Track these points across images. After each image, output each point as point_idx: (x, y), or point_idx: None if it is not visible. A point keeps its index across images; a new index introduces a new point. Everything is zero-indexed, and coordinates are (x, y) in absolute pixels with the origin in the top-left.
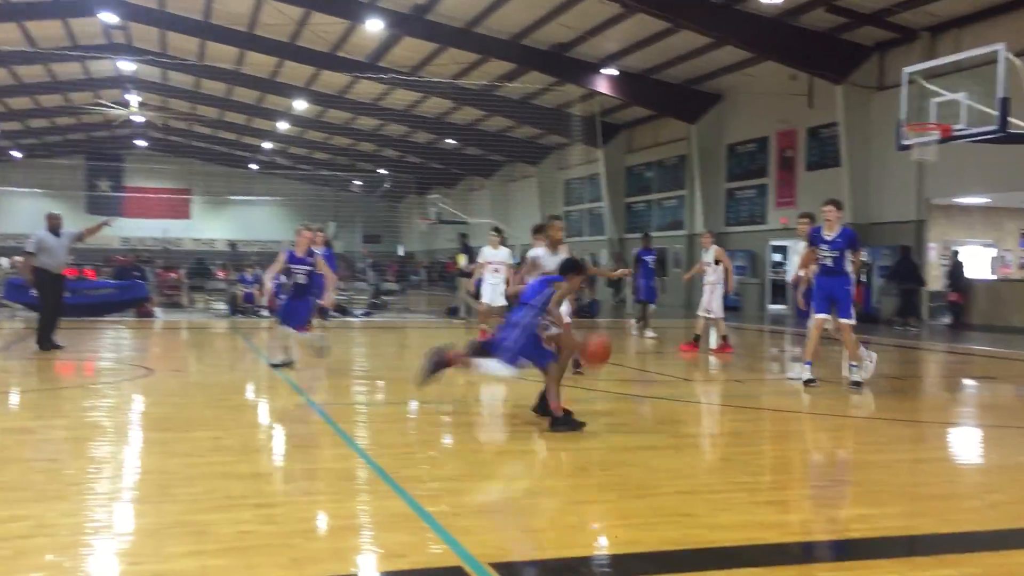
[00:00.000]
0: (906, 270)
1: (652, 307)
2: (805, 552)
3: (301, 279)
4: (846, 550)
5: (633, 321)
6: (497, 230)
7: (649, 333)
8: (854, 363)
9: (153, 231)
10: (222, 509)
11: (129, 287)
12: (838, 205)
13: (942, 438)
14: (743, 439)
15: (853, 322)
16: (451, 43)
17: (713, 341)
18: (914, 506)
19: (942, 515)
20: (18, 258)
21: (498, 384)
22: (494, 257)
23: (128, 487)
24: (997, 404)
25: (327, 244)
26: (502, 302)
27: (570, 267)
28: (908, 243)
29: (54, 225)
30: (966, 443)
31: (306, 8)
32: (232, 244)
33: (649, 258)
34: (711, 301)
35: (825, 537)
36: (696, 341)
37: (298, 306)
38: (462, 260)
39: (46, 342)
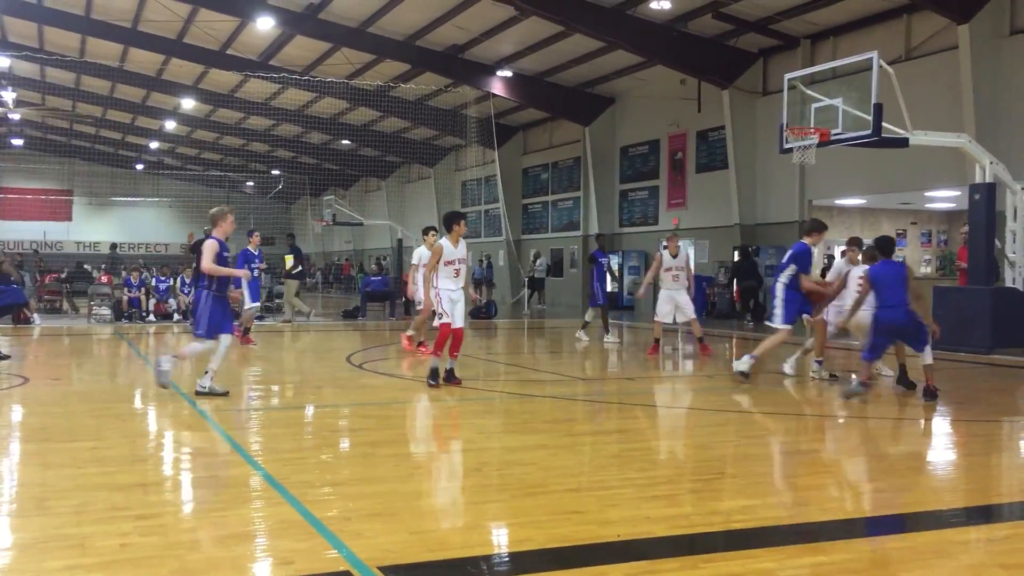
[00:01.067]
0: (747, 269)
1: (597, 311)
2: (691, 544)
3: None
4: (729, 540)
5: (581, 329)
6: (434, 229)
7: (610, 338)
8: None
9: (32, 234)
10: (103, 521)
11: (4, 292)
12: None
13: (820, 430)
14: (634, 436)
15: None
16: (344, 43)
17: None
18: (793, 496)
19: (819, 504)
20: None
21: (392, 387)
22: (454, 254)
23: (4, 500)
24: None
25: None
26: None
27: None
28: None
29: None
30: (842, 435)
31: (193, 4)
32: (113, 246)
33: (604, 260)
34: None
35: (710, 529)
36: (657, 344)
37: (225, 311)
38: (289, 262)
39: None
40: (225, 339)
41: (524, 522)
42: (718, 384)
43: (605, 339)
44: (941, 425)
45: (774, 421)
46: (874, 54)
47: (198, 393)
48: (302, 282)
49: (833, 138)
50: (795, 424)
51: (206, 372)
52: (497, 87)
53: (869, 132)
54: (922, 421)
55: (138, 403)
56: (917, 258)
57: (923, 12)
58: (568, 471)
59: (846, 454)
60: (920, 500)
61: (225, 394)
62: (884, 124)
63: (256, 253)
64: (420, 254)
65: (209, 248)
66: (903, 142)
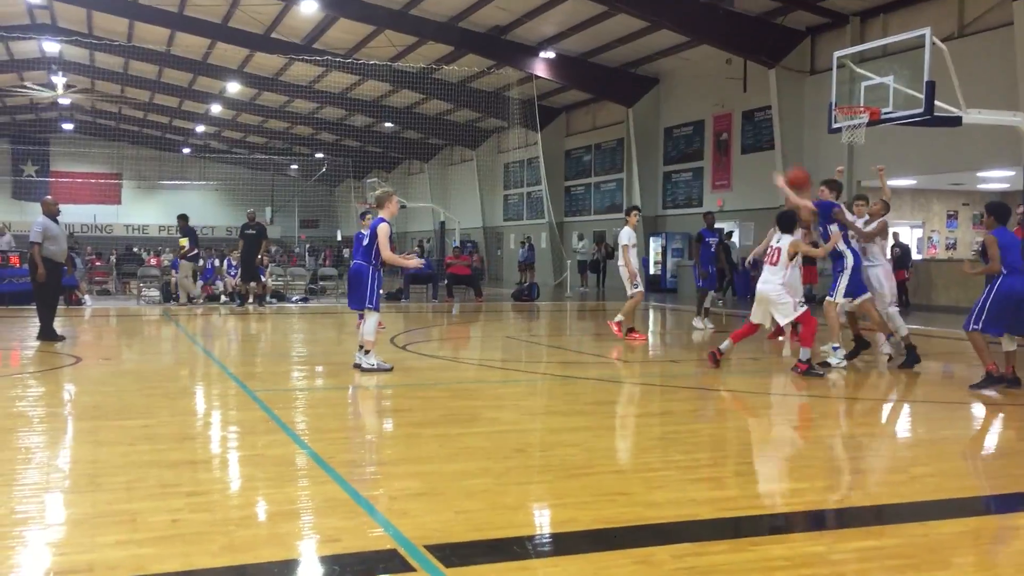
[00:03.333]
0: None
1: (712, 295)
2: (737, 527)
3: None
4: (777, 524)
5: (697, 316)
6: (637, 209)
7: (698, 323)
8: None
9: (83, 217)
10: (154, 498)
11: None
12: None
13: (871, 414)
14: (678, 418)
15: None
16: (387, 25)
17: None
18: (841, 480)
19: (867, 488)
20: None
21: (436, 368)
22: (631, 238)
23: (57, 477)
24: (924, 381)
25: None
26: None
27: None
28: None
29: (53, 211)
30: (893, 419)
31: None
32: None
33: (712, 240)
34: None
35: (757, 512)
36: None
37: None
38: (185, 243)
39: (49, 332)
40: (374, 316)
41: (569, 503)
42: (764, 367)
43: (694, 322)
44: (997, 410)
45: (825, 404)
46: (927, 31)
47: (363, 370)
48: (197, 264)
49: (883, 117)
50: (845, 407)
51: (366, 350)
52: (540, 68)
53: (921, 111)
54: (978, 405)
55: (187, 382)
56: (968, 240)
57: None
58: (612, 453)
59: (897, 438)
60: (974, 485)
61: (390, 369)
62: (936, 102)
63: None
64: (629, 234)
65: (384, 232)
66: (956, 121)
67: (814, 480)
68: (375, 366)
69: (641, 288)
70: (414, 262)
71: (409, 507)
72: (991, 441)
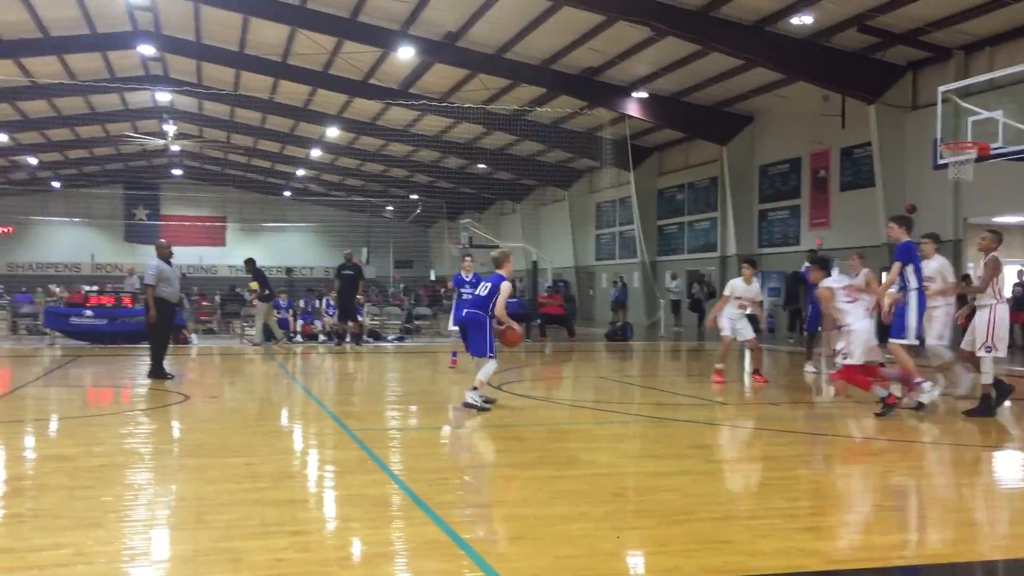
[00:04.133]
0: (796, 292)
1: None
2: None
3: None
4: None
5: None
6: (751, 263)
7: (809, 368)
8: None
9: (189, 258)
10: (257, 536)
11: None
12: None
13: (984, 463)
14: (779, 464)
15: (902, 341)
16: (482, 69)
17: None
18: (956, 532)
19: (986, 541)
20: (55, 286)
21: (530, 408)
22: (744, 292)
23: (164, 514)
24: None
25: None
26: (749, 334)
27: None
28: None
29: (166, 254)
30: (1009, 468)
31: (339, 37)
32: (289, 270)
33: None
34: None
35: (867, 565)
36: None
37: None
38: (255, 286)
39: (159, 371)
40: (492, 363)
41: (671, 550)
42: (868, 411)
43: (806, 368)
44: None
45: (933, 451)
46: None
47: (468, 406)
48: (271, 304)
49: (993, 152)
50: (954, 455)
51: (476, 388)
52: (632, 108)
53: None
54: None
55: (287, 421)
56: None
57: None
58: (713, 498)
59: (1014, 489)
60: None
61: (490, 406)
62: None
63: (468, 278)
64: (733, 286)
65: (507, 291)
66: None
67: (925, 531)
68: (478, 402)
69: (727, 333)
70: (517, 333)
71: (508, 551)
72: None
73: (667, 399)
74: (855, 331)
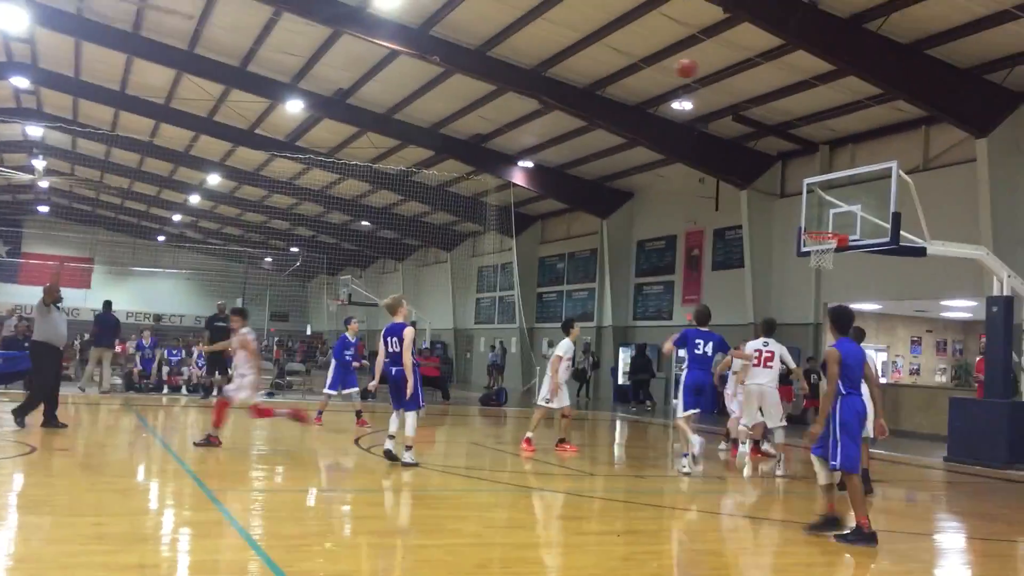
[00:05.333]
0: (641, 363)
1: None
2: None
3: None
4: None
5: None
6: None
7: (721, 446)
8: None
9: None
10: None
11: (16, 358)
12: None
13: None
14: (642, 537)
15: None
16: (371, 127)
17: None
18: None
19: None
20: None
21: (399, 473)
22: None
23: None
24: (888, 509)
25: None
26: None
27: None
28: (805, 344)
29: (52, 298)
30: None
31: (226, 85)
32: (157, 317)
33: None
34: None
35: None
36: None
37: None
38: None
39: (52, 420)
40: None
41: None
42: (717, 486)
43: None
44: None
45: (784, 530)
46: (894, 164)
47: (407, 465)
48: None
49: (851, 244)
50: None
51: (407, 447)
52: (518, 177)
53: (887, 240)
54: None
55: (142, 478)
56: (932, 366)
57: (942, 124)
58: (578, 571)
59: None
60: None
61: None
62: (902, 233)
63: (353, 341)
64: (566, 347)
65: (410, 335)
66: (921, 251)
67: None
68: (415, 462)
69: (566, 403)
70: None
71: None
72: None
73: (539, 468)
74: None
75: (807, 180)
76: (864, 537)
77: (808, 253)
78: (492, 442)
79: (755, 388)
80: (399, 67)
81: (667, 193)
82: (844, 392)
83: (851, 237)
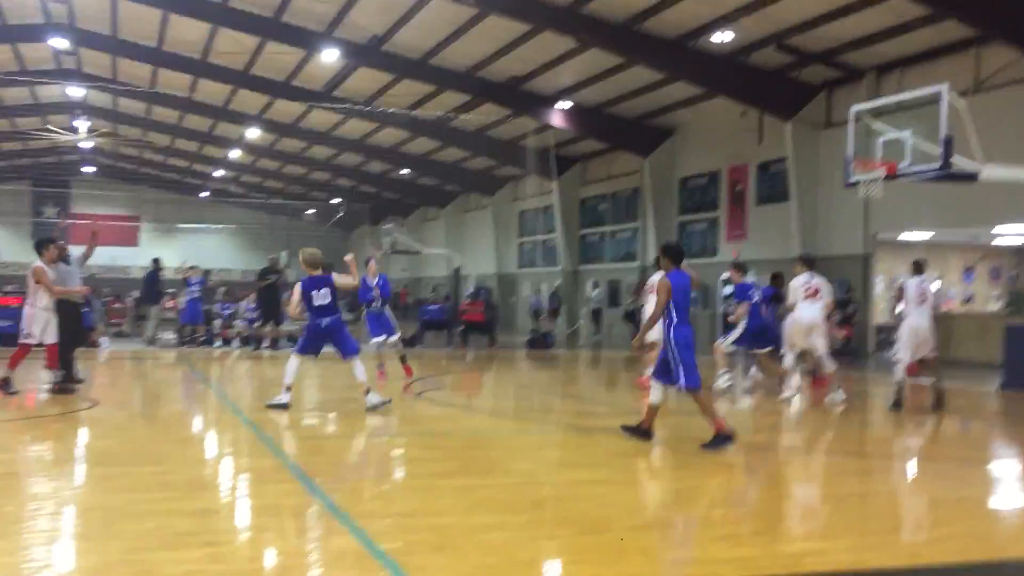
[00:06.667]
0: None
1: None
2: None
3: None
4: None
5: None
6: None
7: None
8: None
9: (100, 259)
10: (168, 547)
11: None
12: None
13: (890, 472)
14: (695, 473)
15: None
16: (407, 74)
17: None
18: (864, 540)
19: (891, 549)
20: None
21: (451, 416)
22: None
23: (70, 524)
24: (943, 437)
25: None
26: None
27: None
28: (855, 277)
29: (56, 255)
30: (914, 477)
31: (261, 37)
32: (206, 272)
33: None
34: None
35: (779, 571)
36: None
37: None
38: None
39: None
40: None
41: (589, 559)
42: (789, 421)
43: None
44: (1007, 466)
45: (846, 461)
46: (943, 87)
47: (374, 407)
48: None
49: (900, 172)
50: (860, 465)
51: (369, 390)
52: (557, 118)
53: (938, 166)
54: (996, 462)
55: (200, 428)
56: (985, 294)
57: (993, 44)
58: (632, 508)
59: (919, 496)
60: (995, 548)
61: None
62: (953, 158)
63: (372, 283)
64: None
65: (337, 280)
66: (973, 176)
67: (837, 539)
68: (380, 399)
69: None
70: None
71: (427, 561)
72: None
73: (586, 408)
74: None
75: (853, 108)
76: (725, 439)
77: (856, 183)
78: (540, 384)
79: (806, 319)
80: (433, 10)
81: (709, 128)
82: (676, 320)
83: (900, 165)
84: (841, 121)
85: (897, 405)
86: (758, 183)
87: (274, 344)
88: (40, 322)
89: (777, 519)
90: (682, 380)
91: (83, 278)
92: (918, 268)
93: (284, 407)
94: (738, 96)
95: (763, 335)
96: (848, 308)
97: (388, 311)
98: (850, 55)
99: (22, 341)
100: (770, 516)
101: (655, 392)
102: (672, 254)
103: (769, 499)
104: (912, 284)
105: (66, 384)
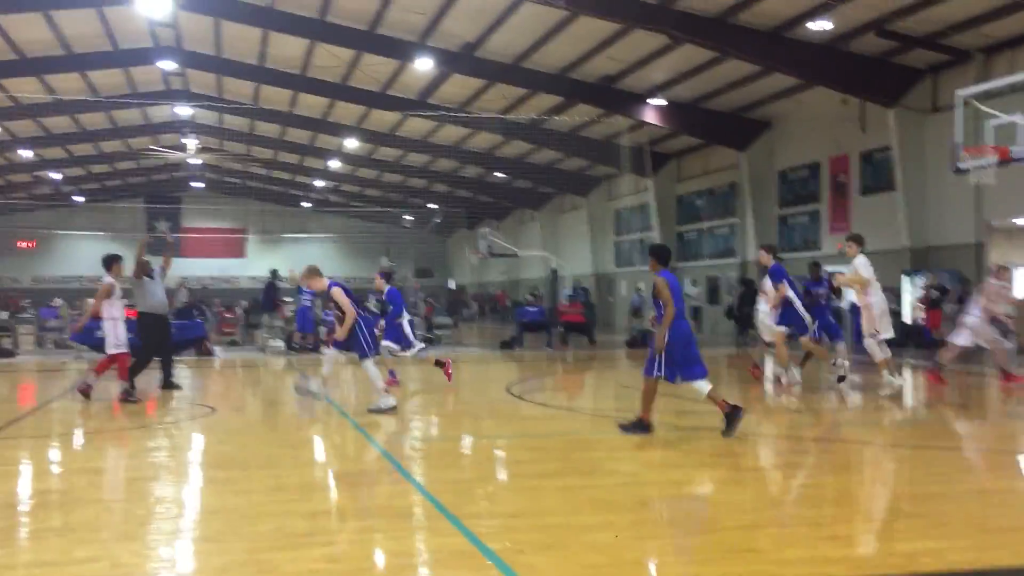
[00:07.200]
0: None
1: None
2: None
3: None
4: None
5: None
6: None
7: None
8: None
9: (211, 270)
10: (287, 548)
11: (188, 326)
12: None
13: (1009, 467)
14: (803, 471)
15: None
16: (499, 78)
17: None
18: (984, 539)
19: (1014, 547)
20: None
21: (552, 417)
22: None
23: (195, 526)
24: None
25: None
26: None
27: None
28: (967, 266)
29: (144, 271)
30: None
31: (357, 50)
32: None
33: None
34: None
35: (894, 571)
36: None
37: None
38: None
39: (168, 382)
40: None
41: (696, 559)
42: (888, 417)
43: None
44: None
45: (955, 457)
46: None
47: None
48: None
49: (1014, 156)
50: (979, 461)
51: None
52: (650, 115)
53: None
54: None
55: (311, 432)
56: None
57: None
58: (738, 507)
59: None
60: None
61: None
62: None
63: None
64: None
65: (338, 293)
66: None
67: (953, 539)
68: (385, 406)
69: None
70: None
71: (535, 561)
72: None
73: (688, 407)
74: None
75: (961, 92)
76: (641, 427)
77: (966, 170)
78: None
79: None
80: (523, 14)
81: (807, 119)
82: (673, 315)
83: (1013, 148)
84: (948, 106)
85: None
86: (862, 173)
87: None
88: (111, 333)
89: (892, 517)
90: (661, 371)
91: (188, 289)
92: None
93: (392, 409)
94: (838, 85)
95: (828, 328)
96: (931, 293)
97: (406, 324)
98: (956, 37)
99: (108, 351)
100: (880, 514)
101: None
102: (662, 256)
103: (882, 496)
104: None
105: (127, 398)
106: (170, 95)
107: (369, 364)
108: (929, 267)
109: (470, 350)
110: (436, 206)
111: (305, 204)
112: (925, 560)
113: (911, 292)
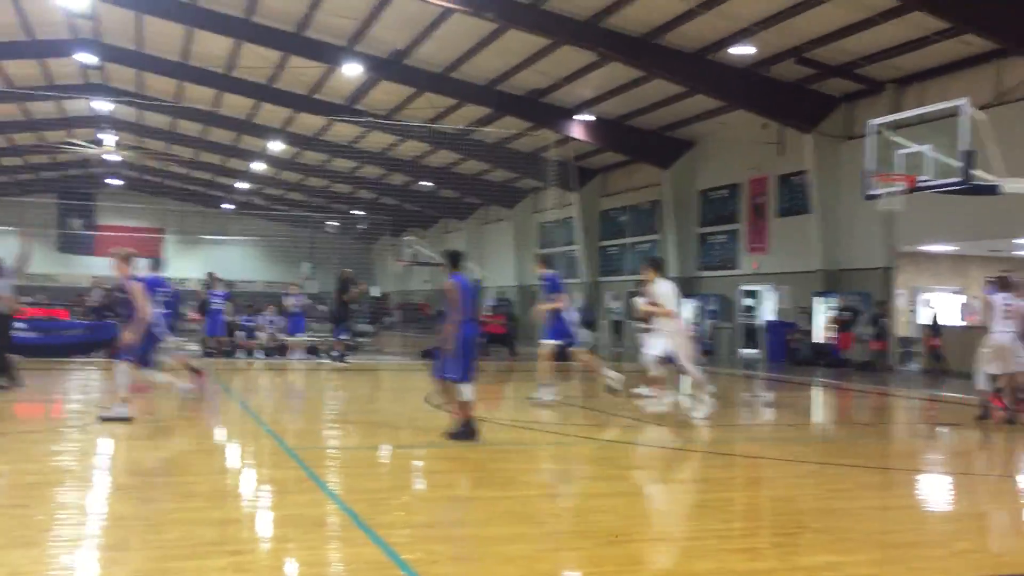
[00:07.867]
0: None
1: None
2: None
3: None
4: None
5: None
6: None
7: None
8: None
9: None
10: (193, 556)
11: (99, 327)
12: None
13: (909, 485)
14: (714, 485)
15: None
16: (428, 88)
17: None
18: (882, 554)
19: (909, 563)
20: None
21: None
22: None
23: (98, 533)
24: (963, 451)
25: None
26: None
27: None
28: (876, 289)
29: None
30: (932, 490)
31: (284, 52)
32: (229, 284)
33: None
34: None
35: None
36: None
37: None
38: None
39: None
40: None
41: (607, 571)
42: (800, 434)
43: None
44: None
45: (860, 474)
46: (964, 101)
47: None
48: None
49: (920, 185)
50: (879, 478)
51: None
52: (577, 130)
53: (958, 179)
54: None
55: (224, 438)
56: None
57: (1014, 57)
58: (649, 520)
59: (940, 510)
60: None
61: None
62: (974, 171)
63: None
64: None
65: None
66: (993, 189)
67: (855, 553)
68: (118, 415)
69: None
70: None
71: (449, 571)
72: None
73: (605, 420)
74: None
75: (872, 121)
76: (469, 433)
77: (876, 196)
78: (559, 396)
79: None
80: (454, 25)
81: (729, 140)
82: (460, 318)
83: (921, 177)
84: (862, 133)
85: (984, 417)
86: (779, 195)
87: (340, 355)
88: None
89: (796, 531)
90: (457, 374)
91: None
92: (1004, 284)
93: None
94: (758, 108)
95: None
96: (879, 322)
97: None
98: (870, 68)
99: None
100: (790, 528)
101: (462, 391)
102: (456, 260)
103: (792, 511)
104: (998, 299)
105: None
106: (88, 89)
107: (127, 368)
108: (840, 289)
109: (390, 359)
110: (361, 213)
111: (226, 206)
112: (826, 574)
113: (823, 313)
